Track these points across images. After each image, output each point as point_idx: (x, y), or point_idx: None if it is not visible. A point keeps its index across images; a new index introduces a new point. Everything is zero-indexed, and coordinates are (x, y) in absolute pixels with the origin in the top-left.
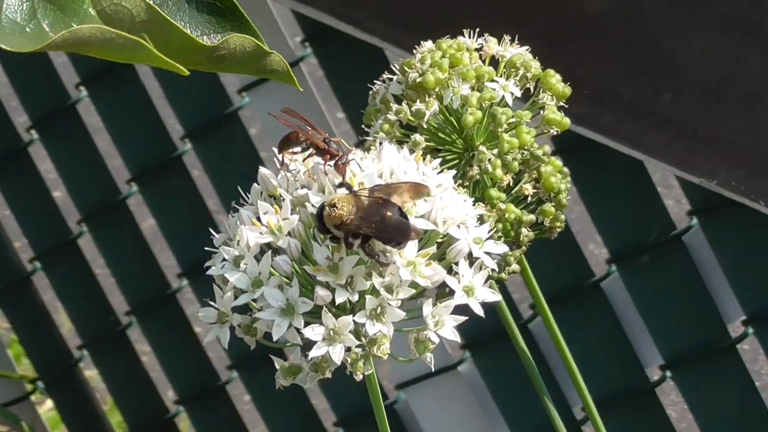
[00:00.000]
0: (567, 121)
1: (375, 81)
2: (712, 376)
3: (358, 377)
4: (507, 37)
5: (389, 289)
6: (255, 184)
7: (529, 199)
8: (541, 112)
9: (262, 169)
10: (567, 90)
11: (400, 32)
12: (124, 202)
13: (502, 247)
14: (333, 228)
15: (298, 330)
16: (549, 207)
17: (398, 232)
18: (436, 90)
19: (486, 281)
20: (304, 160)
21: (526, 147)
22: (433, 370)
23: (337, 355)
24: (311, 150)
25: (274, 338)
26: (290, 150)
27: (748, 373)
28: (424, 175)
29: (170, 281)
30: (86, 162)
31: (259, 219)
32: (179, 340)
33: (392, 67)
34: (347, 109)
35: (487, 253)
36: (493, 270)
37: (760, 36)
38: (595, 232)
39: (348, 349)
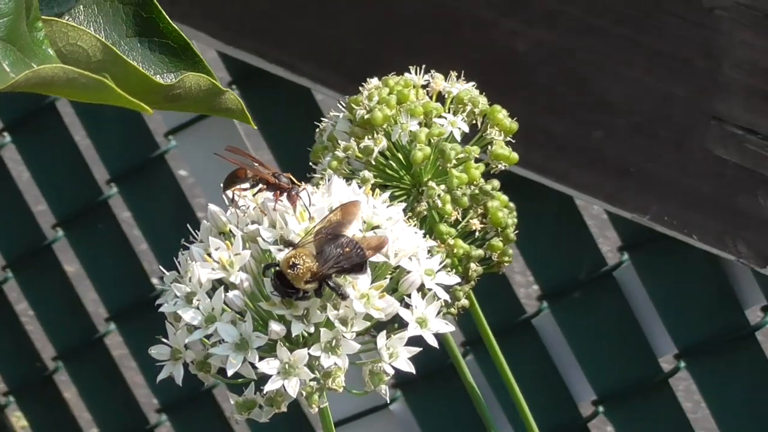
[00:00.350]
0: (515, 156)
1: (303, 121)
2: (644, 411)
3: (314, 410)
4: (453, 73)
5: (344, 322)
6: (204, 221)
7: (477, 234)
8: (489, 147)
9: (211, 206)
10: (514, 125)
11: (330, 73)
12: (49, 247)
13: (453, 279)
14: (304, 284)
15: (252, 364)
16: (497, 242)
17: (361, 256)
18: (384, 126)
19: (438, 312)
20: (254, 195)
21: (474, 182)
22: (387, 403)
23: (293, 388)
24: (260, 186)
25: (229, 373)
26: (237, 187)
27: (681, 407)
28: (374, 208)
29: (97, 326)
30: (11, 207)
31: (210, 255)
32: (107, 385)
33: (339, 106)
34: (275, 149)
35: (439, 285)
36: (445, 301)
37: (689, 73)
38: (515, 272)
39: (303, 383)
